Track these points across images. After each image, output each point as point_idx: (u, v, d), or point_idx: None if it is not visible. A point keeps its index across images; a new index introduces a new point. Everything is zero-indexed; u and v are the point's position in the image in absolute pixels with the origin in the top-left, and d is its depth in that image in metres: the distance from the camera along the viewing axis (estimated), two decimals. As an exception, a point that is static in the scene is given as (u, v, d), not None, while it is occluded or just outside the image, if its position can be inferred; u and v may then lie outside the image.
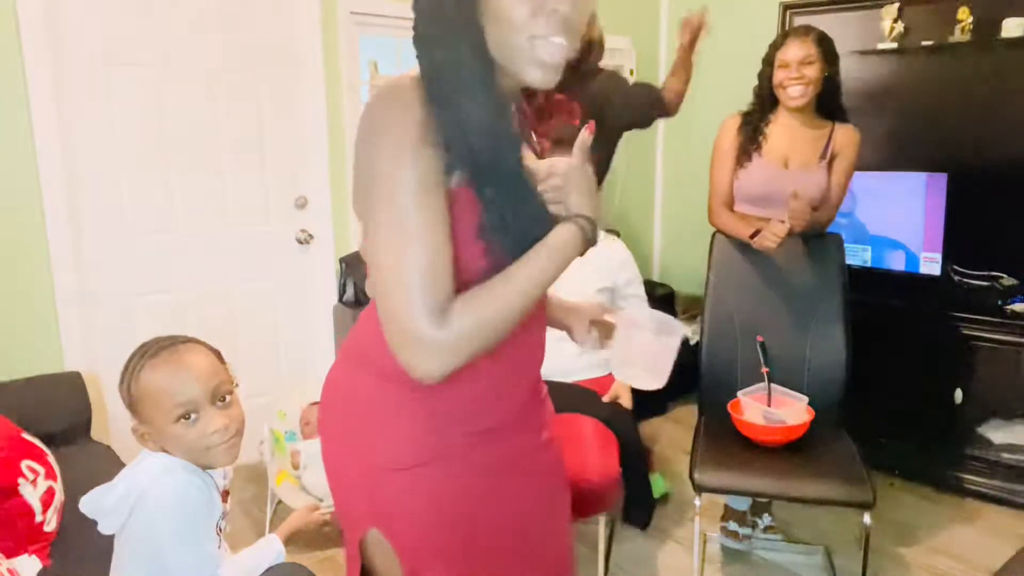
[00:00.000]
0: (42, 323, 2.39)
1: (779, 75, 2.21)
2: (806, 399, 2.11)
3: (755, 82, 2.32)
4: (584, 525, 2.18)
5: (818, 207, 2.26)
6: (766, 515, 2.45)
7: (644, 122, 2.74)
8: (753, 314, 2.32)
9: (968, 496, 2.73)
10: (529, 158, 1.00)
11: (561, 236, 0.92)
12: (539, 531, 1.13)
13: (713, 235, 2.42)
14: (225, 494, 1.35)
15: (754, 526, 2.43)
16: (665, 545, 2.45)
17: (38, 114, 2.30)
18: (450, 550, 1.02)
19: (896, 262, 2.92)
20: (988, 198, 2.80)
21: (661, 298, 3.62)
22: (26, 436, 1.81)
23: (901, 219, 2.89)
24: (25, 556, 1.63)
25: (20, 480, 1.67)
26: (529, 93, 1.06)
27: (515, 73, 0.90)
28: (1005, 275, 2.81)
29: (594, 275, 2.34)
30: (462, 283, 0.87)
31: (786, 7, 3.27)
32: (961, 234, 2.78)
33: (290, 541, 1.49)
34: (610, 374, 2.31)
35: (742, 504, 2.41)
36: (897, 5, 2.99)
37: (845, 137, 2.27)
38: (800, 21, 3.14)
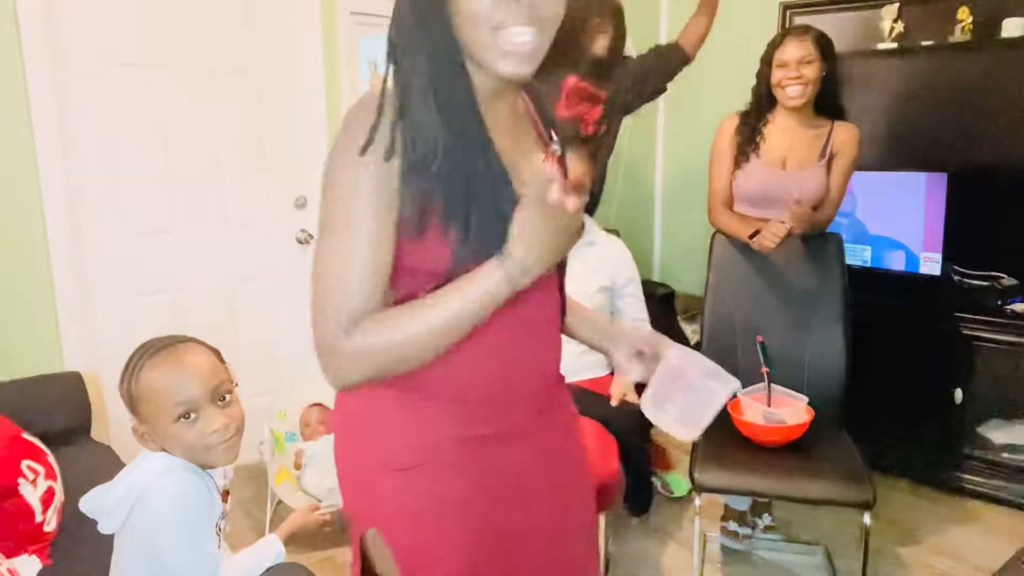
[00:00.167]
0: (42, 323, 2.39)
1: (777, 75, 2.21)
2: (806, 399, 2.11)
3: (755, 82, 2.32)
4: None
5: (817, 207, 2.27)
6: (766, 515, 2.45)
7: (659, 90, 2.71)
8: (753, 314, 2.32)
9: (968, 496, 2.73)
10: (528, 157, 0.99)
11: (480, 282, 0.86)
12: (549, 543, 1.09)
13: (713, 235, 2.42)
14: (225, 494, 1.35)
15: (754, 526, 2.43)
16: (665, 545, 2.45)
17: (38, 114, 2.30)
18: (447, 555, 1.01)
19: (896, 262, 2.92)
20: (988, 198, 2.79)
21: (661, 298, 3.61)
22: (26, 436, 1.81)
23: (901, 219, 2.89)
24: (25, 556, 1.63)
25: (20, 480, 1.67)
26: (558, 79, 1.06)
27: (487, 67, 0.88)
28: (1005, 275, 2.81)
29: (594, 274, 2.34)
30: (433, 289, 0.89)
31: (786, 7, 3.27)
32: (961, 234, 2.78)
33: (290, 541, 1.48)
34: (610, 374, 2.31)
35: (742, 504, 2.41)
36: (897, 5, 2.99)
37: (844, 135, 2.26)
38: (800, 21, 3.14)
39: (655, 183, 4.20)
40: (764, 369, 2.17)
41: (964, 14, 2.82)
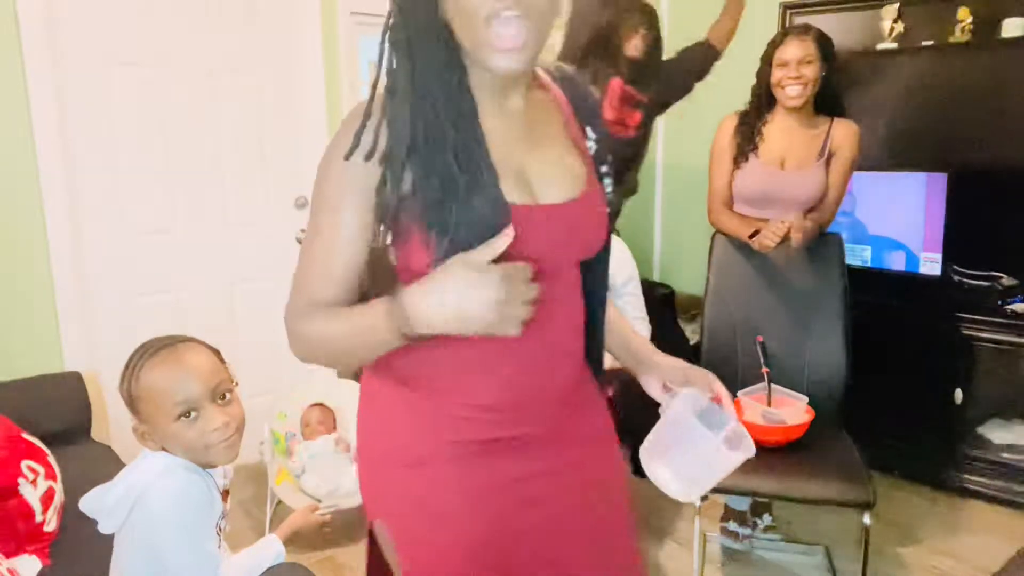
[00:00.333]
0: (42, 323, 2.39)
1: (777, 74, 2.21)
2: (806, 399, 2.11)
3: (754, 81, 2.32)
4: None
5: (816, 207, 2.26)
6: (766, 515, 2.45)
7: (689, 88, 2.70)
8: (753, 314, 2.32)
9: (968, 496, 2.73)
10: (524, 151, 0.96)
11: (367, 315, 0.86)
12: (561, 555, 1.04)
13: (713, 235, 2.42)
14: (225, 494, 1.35)
15: (754, 526, 2.42)
16: (665, 545, 2.45)
17: (38, 114, 2.31)
18: (444, 555, 1.00)
19: (896, 262, 2.92)
20: (988, 198, 2.79)
21: (661, 298, 3.61)
22: (26, 436, 1.81)
23: (901, 219, 2.89)
24: (25, 556, 1.63)
25: (20, 480, 1.67)
26: (603, 77, 1.05)
27: (482, 62, 0.87)
28: (1005, 275, 2.81)
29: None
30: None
31: (786, 7, 3.27)
32: (961, 234, 2.78)
33: (290, 541, 1.48)
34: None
35: (742, 504, 2.41)
36: (897, 5, 2.99)
37: (843, 132, 2.26)
38: (800, 21, 3.14)
39: (655, 183, 4.20)
40: (764, 369, 2.17)
41: (964, 14, 2.81)
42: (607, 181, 1.03)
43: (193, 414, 1.23)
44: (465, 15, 0.84)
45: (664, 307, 3.47)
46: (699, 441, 0.93)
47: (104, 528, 1.27)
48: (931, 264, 2.83)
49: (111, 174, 2.53)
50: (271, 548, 1.43)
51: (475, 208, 0.86)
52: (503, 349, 0.93)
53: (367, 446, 1.06)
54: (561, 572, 1.04)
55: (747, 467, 2.06)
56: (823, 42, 2.19)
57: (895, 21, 3.00)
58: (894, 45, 3.01)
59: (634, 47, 2.42)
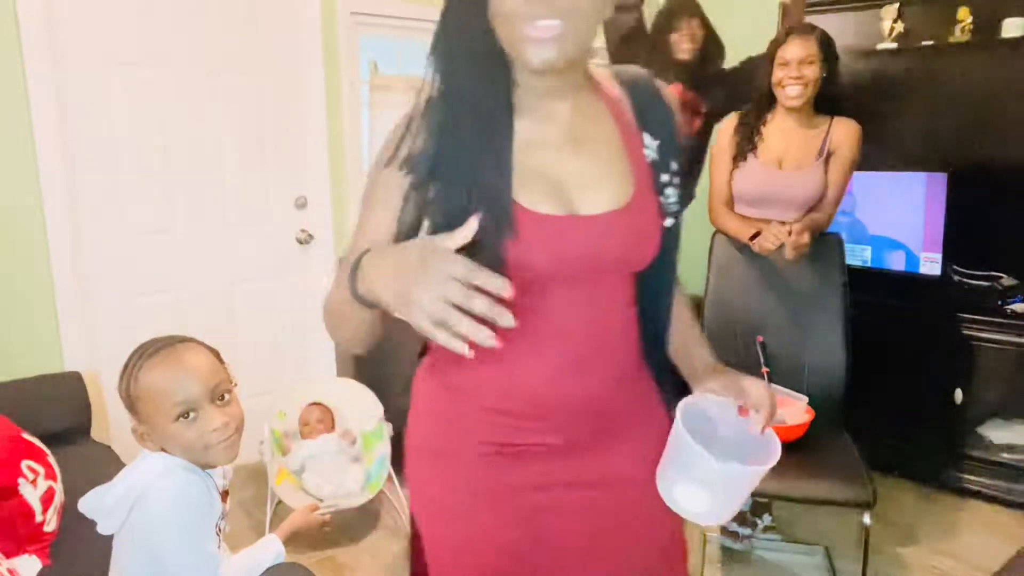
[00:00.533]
0: (42, 323, 2.39)
1: (778, 73, 2.21)
2: (806, 399, 2.11)
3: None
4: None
5: (816, 206, 2.26)
6: (766, 515, 2.45)
7: (746, 99, 2.67)
8: (753, 314, 2.32)
9: (968, 496, 2.73)
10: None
11: (342, 274, 0.88)
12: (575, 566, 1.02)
13: (713, 235, 2.41)
14: (225, 494, 1.35)
15: (754, 526, 2.42)
16: (665, 545, 2.45)
17: (38, 114, 2.31)
18: (458, 549, 1.02)
19: (896, 262, 2.92)
20: (988, 198, 2.79)
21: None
22: (26, 436, 1.81)
23: (901, 219, 2.89)
24: (25, 556, 1.63)
25: (20, 480, 1.67)
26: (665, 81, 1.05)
27: (522, 62, 0.86)
28: (1005, 275, 2.81)
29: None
30: None
31: (786, 7, 3.27)
32: (961, 234, 2.78)
33: (290, 541, 1.49)
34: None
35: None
36: (897, 5, 2.99)
37: (843, 131, 2.24)
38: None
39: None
40: (764, 369, 2.17)
41: (964, 14, 2.81)
42: (669, 191, 0.98)
43: (192, 414, 1.23)
44: (507, 18, 0.84)
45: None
46: (697, 461, 0.85)
47: (103, 529, 1.27)
48: (931, 264, 2.83)
49: (111, 174, 2.53)
50: (271, 548, 1.43)
51: (495, 216, 0.86)
52: (528, 353, 0.92)
53: (410, 441, 1.08)
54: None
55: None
56: (826, 42, 2.19)
57: (895, 21, 3.00)
58: (894, 45, 3.01)
59: (686, 50, 2.41)
